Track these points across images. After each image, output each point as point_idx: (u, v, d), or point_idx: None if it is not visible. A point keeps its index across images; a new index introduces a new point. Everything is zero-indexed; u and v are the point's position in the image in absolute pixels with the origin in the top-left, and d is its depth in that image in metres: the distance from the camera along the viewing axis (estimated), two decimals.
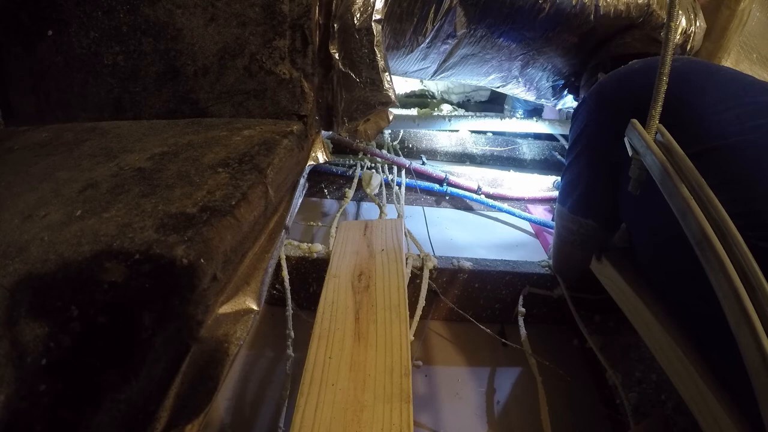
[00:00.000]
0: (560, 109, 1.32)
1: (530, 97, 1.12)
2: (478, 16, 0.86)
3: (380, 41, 0.72)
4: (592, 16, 0.87)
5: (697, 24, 0.92)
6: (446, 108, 1.67)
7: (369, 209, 1.18)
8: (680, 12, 0.89)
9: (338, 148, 1.27)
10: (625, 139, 0.49)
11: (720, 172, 0.46)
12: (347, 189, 1.14)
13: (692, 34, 0.92)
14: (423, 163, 1.28)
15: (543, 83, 1.06)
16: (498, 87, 1.10)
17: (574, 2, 0.85)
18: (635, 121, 0.48)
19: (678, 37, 0.90)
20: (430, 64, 0.96)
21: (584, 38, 0.92)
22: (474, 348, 0.82)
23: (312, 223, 1.11)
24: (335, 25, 0.70)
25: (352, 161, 1.20)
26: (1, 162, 0.54)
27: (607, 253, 0.68)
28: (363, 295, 0.60)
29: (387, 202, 1.10)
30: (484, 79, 1.04)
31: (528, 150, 1.47)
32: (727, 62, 0.95)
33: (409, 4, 0.81)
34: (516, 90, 1.10)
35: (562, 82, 1.05)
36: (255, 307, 0.45)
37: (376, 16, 0.71)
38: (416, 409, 0.68)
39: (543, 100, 1.13)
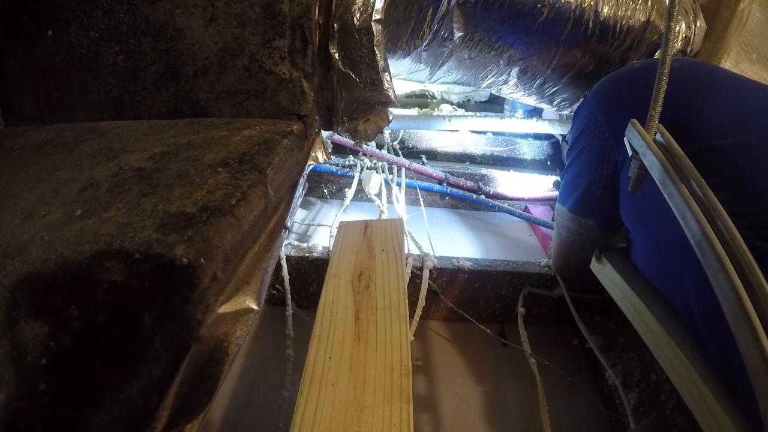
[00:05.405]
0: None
1: (529, 101, 1.12)
2: (475, 20, 0.86)
3: (380, 41, 0.72)
4: (591, 22, 0.87)
5: (697, 24, 0.92)
6: (446, 108, 1.67)
7: (369, 209, 1.18)
8: (680, 17, 0.89)
9: (338, 148, 1.27)
10: (625, 139, 0.49)
11: (719, 172, 0.46)
12: (347, 189, 1.14)
13: (692, 36, 0.92)
14: (423, 163, 1.28)
15: (541, 89, 1.06)
16: (496, 91, 1.10)
17: (573, 7, 0.85)
18: (635, 121, 0.48)
19: (679, 43, 0.90)
20: (427, 67, 0.96)
21: None
22: (474, 348, 0.82)
23: (312, 223, 1.11)
24: (335, 25, 0.70)
25: (352, 161, 1.20)
26: (1, 162, 0.54)
27: (607, 253, 0.68)
28: (363, 295, 0.60)
29: (387, 202, 1.10)
30: (482, 83, 1.04)
31: (528, 150, 1.47)
32: (727, 62, 0.95)
33: (406, 8, 0.81)
34: (515, 95, 1.09)
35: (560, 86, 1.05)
36: (255, 307, 0.45)
37: (376, 16, 0.70)
38: (416, 409, 0.68)
39: (542, 104, 1.13)
